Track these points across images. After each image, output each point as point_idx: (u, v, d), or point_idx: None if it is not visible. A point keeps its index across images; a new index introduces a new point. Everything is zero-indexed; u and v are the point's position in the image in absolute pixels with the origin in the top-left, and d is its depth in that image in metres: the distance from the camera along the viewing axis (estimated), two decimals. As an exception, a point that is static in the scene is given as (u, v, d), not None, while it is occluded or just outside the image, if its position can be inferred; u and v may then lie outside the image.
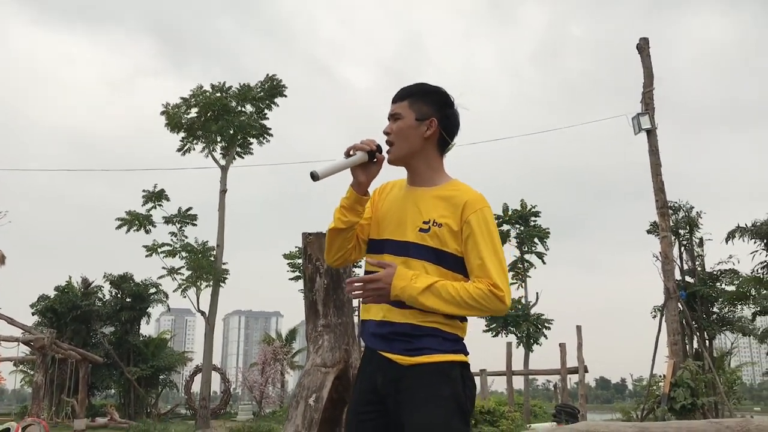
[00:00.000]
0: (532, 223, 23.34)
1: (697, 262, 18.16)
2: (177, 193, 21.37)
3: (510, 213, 23.33)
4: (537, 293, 22.82)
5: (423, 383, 2.14)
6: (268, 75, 21.69)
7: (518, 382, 23.29)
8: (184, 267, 19.99)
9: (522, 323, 21.55)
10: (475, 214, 2.21)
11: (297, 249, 26.68)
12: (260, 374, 32.03)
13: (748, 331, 18.59)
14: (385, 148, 2.32)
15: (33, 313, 26.22)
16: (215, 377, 27.07)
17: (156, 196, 20.40)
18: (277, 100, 21.80)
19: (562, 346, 18.09)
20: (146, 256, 20.16)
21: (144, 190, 20.44)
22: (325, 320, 4.54)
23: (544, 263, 23.35)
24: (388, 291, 2.16)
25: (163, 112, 21.04)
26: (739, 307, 18.23)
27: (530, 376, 23.87)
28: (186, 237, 20.45)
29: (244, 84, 21.47)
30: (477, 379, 20.16)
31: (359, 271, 2.42)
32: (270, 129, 21.88)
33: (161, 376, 28.71)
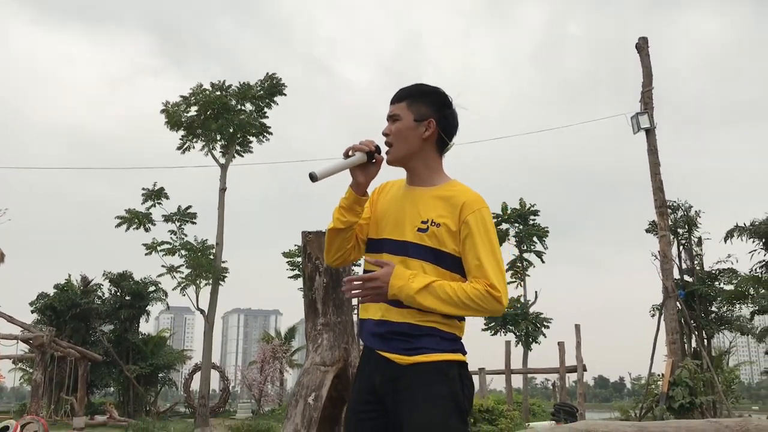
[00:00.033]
0: (531, 222, 23.36)
1: (695, 261, 18.19)
2: (176, 192, 21.38)
3: (509, 212, 23.34)
4: (536, 292, 22.87)
5: (421, 383, 2.15)
6: (267, 74, 21.70)
7: (517, 381, 23.31)
8: (183, 265, 20.00)
9: (521, 322, 21.58)
10: (473, 214, 2.22)
11: (296, 247, 26.69)
12: (259, 372, 32.06)
13: (746, 330, 18.63)
14: (384, 149, 2.33)
15: (32, 311, 26.26)
16: (214, 375, 27.09)
17: (155, 195, 20.40)
18: (277, 98, 21.81)
19: (561, 344, 18.10)
20: (146, 254, 20.17)
21: (143, 189, 20.45)
22: (324, 319, 4.55)
23: (543, 262, 23.39)
24: (386, 290, 2.16)
25: (162, 111, 21.04)
26: (738, 306, 18.26)
27: (529, 375, 23.89)
28: (185, 235, 20.47)
29: (243, 83, 21.47)
30: (476, 378, 20.18)
31: (359, 270, 2.42)
32: (270, 127, 21.88)
33: (160, 375, 28.75)
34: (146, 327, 39.80)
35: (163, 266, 20.35)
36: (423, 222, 2.24)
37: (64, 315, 25.37)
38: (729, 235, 18.14)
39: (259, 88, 21.48)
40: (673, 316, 14.18)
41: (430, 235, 2.22)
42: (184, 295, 20.05)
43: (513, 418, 10.93)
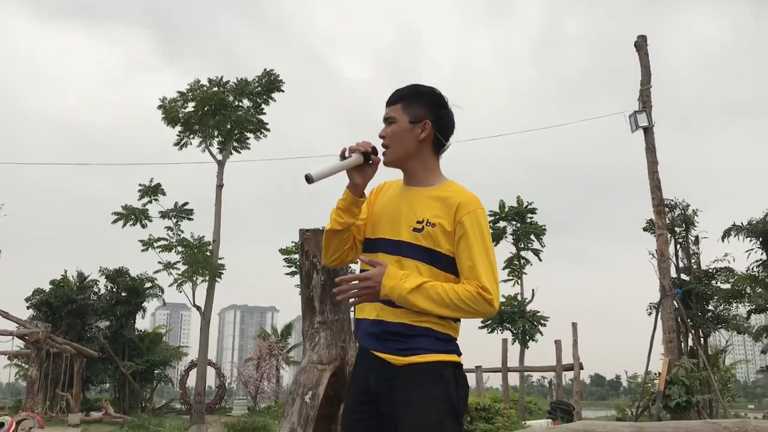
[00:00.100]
0: (529, 220, 23.30)
1: (692, 260, 18.21)
2: (173, 188, 21.37)
3: (506, 210, 23.29)
4: (533, 290, 22.82)
5: (416, 383, 2.14)
6: (265, 70, 21.66)
7: (513, 379, 23.29)
8: (180, 262, 19.97)
9: (517, 320, 21.54)
10: (468, 215, 2.21)
11: (293, 244, 26.64)
12: (255, 369, 32.02)
13: (743, 329, 18.66)
14: (380, 150, 2.32)
15: (28, 307, 26.17)
16: (210, 372, 27.06)
17: (152, 191, 20.37)
18: (275, 95, 21.76)
19: (558, 343, 18.12)
20: (142, 250, 20.15)
21: (140, 185, 20.40)
22: (321, 317, 4.53)
23: (540, 260, 23.34)
24: (378, 290, 2.16)
25: (160, 106, 20.99)
26: (734, 305, 18.30)
27: (525, 373, 23.87)
28: (182, 232, 20.45)
29: (241, 79, 21.43)
30: (472, 376, 20.19)
31: (357, 270, 2.40)
32: (267, 124, 21.85)
33: (156, 371, 28.70)
34: (142, 323, 39.79)
35: (159, 263, 20.35)
36: (418, 222, 2.24)
37: (60, 311, 25.29)
38: (726, 234, 18.17)
39: (256, 85, 21.44)
40: (670, 314, 14.18)
41: (425, 235, 2.22)
42: (181, 291, 20.06)
43: (510, 416, 10.91)
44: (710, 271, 18.07)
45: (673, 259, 17.23)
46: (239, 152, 21.79)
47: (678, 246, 18.16)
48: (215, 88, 21.00)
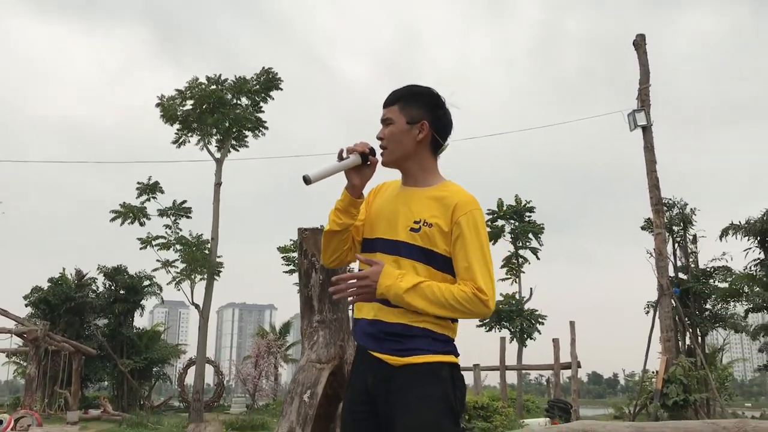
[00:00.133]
0: (527, 219, 23.34)
1: (690, 259, 18.25)
2: (172, 186, 21.35)
3: (504, 208, 23.33)
4: (531, 288, 22.85)
5: (413, 384, 2.15)
6: (263, 68, 21.61)
7: (511, 377, 23.34)
8: (178, 260, 19.96)
9: (515, 318, 21.58)
10: (465, 216, 2.21)
11: (292, 242, 26.65)
12: (254, 367, 32.03)
13: (740, 328, 18.69)
14: (378, 151, 2.33)
15: (26, 305, 26.13)
16: (208, 370, 27.06)
17: (150, 189, 20.34)
18: (273, 93, 21.74)
19: (556, 341, 18.16)
20: (140, 248, 20.12)
21: (138, 183, 20.38)
22: (320, 316, 4.53)
23: (538, 259, 23.38)
24: (374, 289, 2.17)
25: (158, 104, 20.96)
26: (732, 304, 18.33)
27: (523, 371, 23.92)
28: (180, 230, 20.42)
29: (239, 76, 21.39)
30: (470, 374, 20.22)
31: (356, 269, 2.41)
32: (265, 122, 21.81)
33: (154, 369, 28.67)
34: (140, 321, 39.86)
35: (158, 261, 20.32)
36: (415, 222, 2.25)
37: (58, 309, 25.27)
38: (724, 233, 18.20)
39: (254, 83, 21.41)
40: (667, 313, 14.21)
41: (422, 235, 2.22)
42: (179, 289, 20.04)
43: (508, 415, 10.93)
44: (708, 270, 18.10)
45: (671, 258, 17.27)
46: (237, 150, 21.76)
47: (676, 245, 18.20)
48: (213, 86, 20.97)
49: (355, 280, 2.21)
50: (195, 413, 18.90)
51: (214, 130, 20.88)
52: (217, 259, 20.22)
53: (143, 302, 27.75)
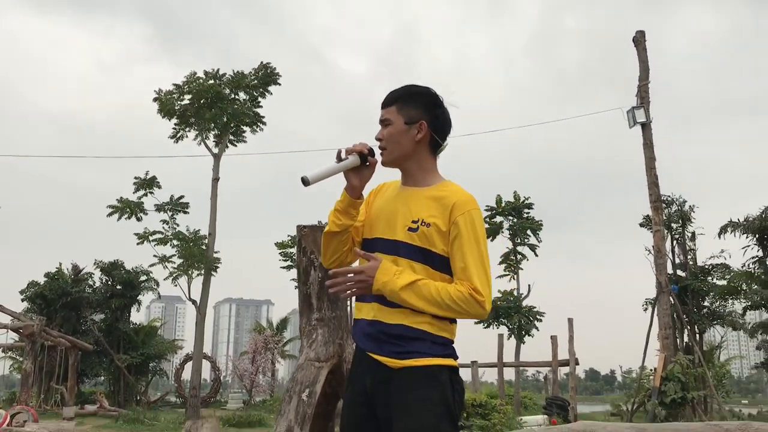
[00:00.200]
0: (525, 215, 23.30)
1: (689, 256, 18.24)
2: (169, 181, 21.23)
3: (503, 205, 23.29)
4: (529, 285, 22.83)
5: (412, 387, 2.14)
6: (262, 63, 21.51)
7: (509, 373, 23.34)
8: (175, 255, 19.89)
9: (513, 315, 21.56)
10: (463, 215, 2.21)
11: (289, 238, 26.59)
12: (251, 363, 32.03)
13: (738, 325, 18.71)
14: (377, 152, 2.33)
15: (23, 300, 26.09)
16: (205, 365, 27.03)
17: (147, 184, 20.24)
18: (271, 88, 21.65)
19: (554, 338, 18.12)
20: (137, 243, 20.04)
21: (136, 177, 20.28)
22: (319, 314, 4.50)
23: (536, 255, 23.34)
24: (371, 284, 2.17)
25: (155, 99, 20.85)
26: (730, 301, 18.34)
27: (520, 368, 23.91)
28: (177, 225, 20.33)
29: (237, 71, 21.29)
30: (468, 371, 20.20)
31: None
32: (263, 117, 21.72)
33: (151, 364, 28.65)
34: (137, 316, 39.69)
35: (155, 256, 20.24)
36: (414, 221, 2.24)
37: (55, 304, 25.22)
38: (723, 230, 18.19)
39: (253, 77, 21.31)
40: (666, 311, 14.20)
41: (420, 235, 2.22)
42: (176, 285, 19.96)
43: (506, 413, 10.92)
44: (706, 267, 18.11)
45: (670, 255, 17.26)
46: (235, 146, 21.68)
47: (674, 242, 18.20)
48: (211, 81, 20.87)
49: (352, 275, 2.21)
50: (192, 409, 18.86)
51: (212, 125, 20.78)
52: (215, 255, 20.15)
53: (140, 297, 27.73)
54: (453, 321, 2.25)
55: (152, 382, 32.26)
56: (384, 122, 2.33)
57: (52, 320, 23.98)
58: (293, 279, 25.43)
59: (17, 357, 27.35)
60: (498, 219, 23.33)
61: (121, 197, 20.29)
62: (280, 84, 21.76)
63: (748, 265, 18.11)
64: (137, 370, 26.93)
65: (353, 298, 2.39)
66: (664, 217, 16.35)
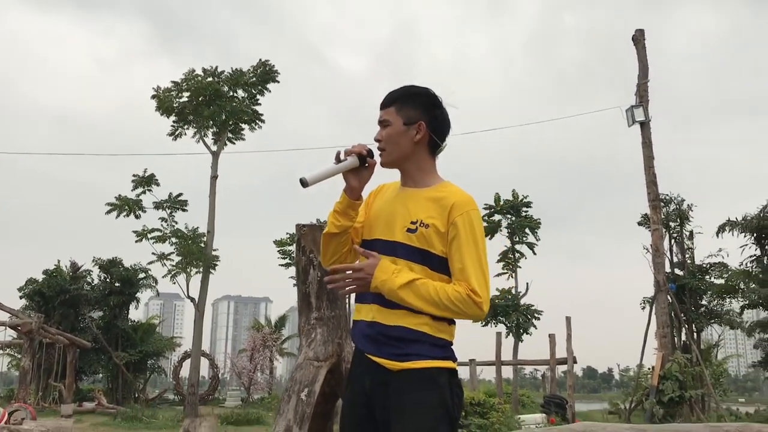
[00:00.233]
0: (524, 214, 23.34)
1: (687, 255, 18.24)
2: (167, 179, 21.21)
3: (501, 203, 23.32)
4: (527, 283, 22.87)
5: (411, 389, 2.14)
6: (260, 60, 21.45)
7: (506, 371, 23.37)
8: (174, 253, 19.86)
9: (511, 313, 21.60)
10: (461, 216, 2.21)
11: (288, 235, 26.60)
12: (249, 360, 32.01)
13: (735, 324, 18.71)
14: (376, 153, 2.33)
15: (21, 297, 26.06)
16: (203, 363, 27.02)
17: (146, 181, 20.21)
18: (270, 86, 21.60)
19: (552, 336, 18.12)
20: (136, 241, 20.02)
21: (134, 175, 20.25)
22: (318, 313, 4.48)
23: (534, 254, 23.39)
24: (369, 281, 2.17)
25: (153, 96, 20.81)
26: (728, 300, 18.34)
27: (518, 366, 23.92)
28: (176, 223, 20.30)
29: (236, 69, 21.23)
30: (466, 369, 20.22)
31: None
32: (262, 115, 21.67)
33: (149, 362, 28.64)
34: (136, 313, 39.60)
35: (153, 254, 20.22)
36: (412, 222, 2.24)
37: (53, 301, 25.19)
38: (721, 229, 18.19)
39: (251, 75, 21.26)
40: (664, 309, 14.23)
41: (419, 236, 2.22)
42: (174, 283, 19.94)
43: (504, 411, 10.93)
44: (704, 266, 18.11)
45: (668, 254, 17.26)
46: (234, 143, 21.63)
47: (672, 241, 18.20)
48: (210, 78, 20.82)
49: (350, 272, 2.21)
50: (190, 407, 18.85)
51: (211, 123, 20.74)
52: (213, 253, 20.13)
53: (138, 295, 27.69)
54: (452, 322, 2.25)
55: (150, 380, 32.23)
56: (383, 123, 2.33)
57: (51, 317, 23.96)
58: (292, 277, 25.44)
59: (15, 354, 27.30)
60: (496, 217, 23.36)
61: (120, 195, 20.26)
62: (278, 82, 21.71)
63: (746, 263, 18.12)
64: (135, 368, 26.91)
65: (353, 297, 2.39)
66: (663, 216, 16.36)
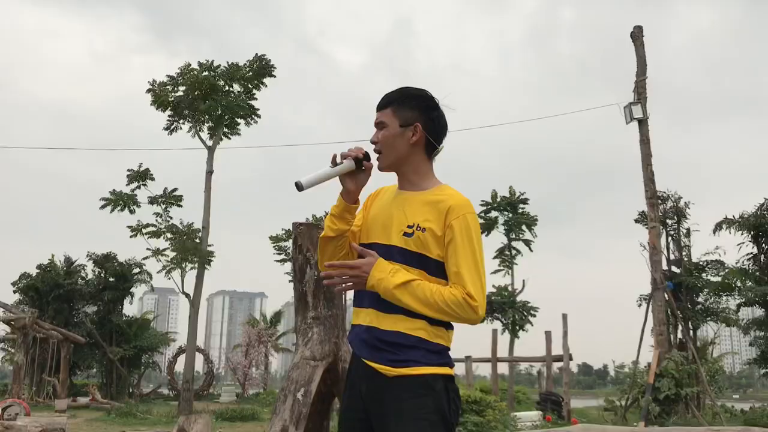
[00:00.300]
0: (520, 210, 23.29)
1: (683, 252, 18.24)
2: (162, 173, 21.09)
3: (498, 199, 23.28)
4: (523, 280, 22.84)
5: (407, 395, 2.13)
6: (256, 54, 21.36)
7: (502, 368, 23.34)
8: (168, 248, 19.77)
9: (508, 310, 21.58)
10: (458, 219, 2.19)
11: (284, 231, 26.54)
12: (244, 356, 31.96)
13: (732, 322, 18.72)
14: (373, 156, 2.31)
15: (14, 292, 26.02)
16: (198, 358, 26.96)
17: (141, 176, 20.11)
18: (266, 81, 21.50)
19: (548, 333, 18.13)
20: (131, 236, 19.93)
21: (129, 170, 20.15)
22: (314, 312, 4.44)
23: (531, 251, 23.35)
24: (365, 279, 2.17)
25: (149, 90, 20.69)
26: (724, 298, 18.36)
27: (514, 362, 23.91)
28: (171, 218, 20.22)
29: (232, 63, 21.12)
30: (462, 366, 20.21)
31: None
32: (258, 110, 21.57)
33: (144, 357, 28.62)
34: (130, 309, 39.56)
35: (148, 249, 20.13)
36: (409, 226, 2.22)
37: (47, 296, 25.14)
38: (718, 227, 18.22)
39: (247, 69, 21.15)
40: (660, 307, 14.20)
41: (416, 240, 2.20)
42: (169, 278, 19.85)
43: (500, 409, 10.91)
44: (701, 263, 18.12)
45: (665, 252, 17.25)
46: (229, 138, 21.54)
47: (669, 238, 18.19)
48: (206, 73, 20.71)
49: (347, 269, 2.20)
50: (184, 402, 18.78)
51: (206, 117, 20.64)
52: (209, 248, 20.05)
53: (133, 290, 27.66)
54: (449, 327, 2.24)
55: (145, 375, 32.23)
56: (379, 125, 2.31)
57: (45, 312, 23.91)
58: (287, 272, 25.38)
59: (9, 349, 27.22)
60: (493, 214, 23.31)
61: (114, 189, 20.17)
62: (275, 76, 21.60)
63: (743, 261, 18.16)
64: (130, 363, 26.88)
65: (351, 296, 2.37)
66: (660, 214, 16.34)
